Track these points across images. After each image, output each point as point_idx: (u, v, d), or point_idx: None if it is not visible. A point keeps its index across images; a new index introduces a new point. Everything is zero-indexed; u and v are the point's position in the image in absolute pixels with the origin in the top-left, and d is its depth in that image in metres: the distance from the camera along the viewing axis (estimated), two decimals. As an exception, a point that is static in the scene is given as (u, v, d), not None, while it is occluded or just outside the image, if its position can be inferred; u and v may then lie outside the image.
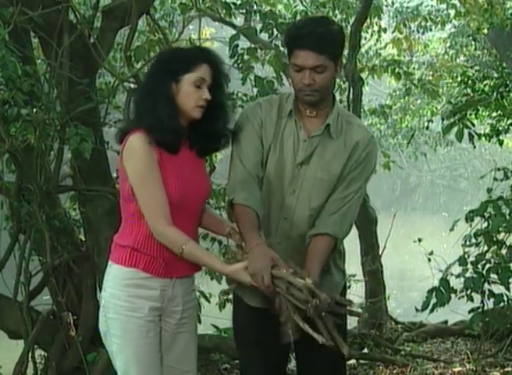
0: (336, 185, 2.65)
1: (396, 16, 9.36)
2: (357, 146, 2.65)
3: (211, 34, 8.69)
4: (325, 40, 2.53)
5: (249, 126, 2.68)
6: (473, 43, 9.30)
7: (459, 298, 4.18)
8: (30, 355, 4.20)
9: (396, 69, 6.88)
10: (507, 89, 5.85)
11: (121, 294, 2.58)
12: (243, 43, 4.92)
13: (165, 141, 2.55)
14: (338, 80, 7.20)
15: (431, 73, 9.65)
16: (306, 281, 2.39)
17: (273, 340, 2.56)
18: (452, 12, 8.52)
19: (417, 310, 4.29)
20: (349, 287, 5.63)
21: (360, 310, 2.51)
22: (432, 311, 4.05)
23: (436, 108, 10.08)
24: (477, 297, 4.17)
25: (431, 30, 9.49)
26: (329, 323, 2.41)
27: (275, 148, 2.65)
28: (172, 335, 2.68)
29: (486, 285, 4.11)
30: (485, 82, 6.17)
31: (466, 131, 5.25)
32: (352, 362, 5.18)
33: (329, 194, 2.65)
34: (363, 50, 8.23)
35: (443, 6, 8.71)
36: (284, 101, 2.70)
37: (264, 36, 5.14)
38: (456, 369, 4.96)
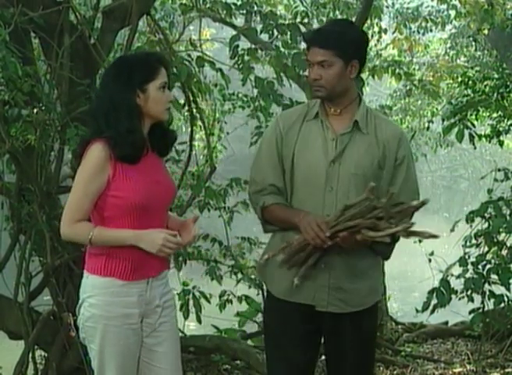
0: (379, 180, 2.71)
1: (397, 17, 9.38)
2: (389, 142, 2.73)
3: (212, 35, 8.69)
4: (331, 36, 2.65)
5: (266, 143, 2.81)
6: (473, 44, 9.29)
7: (459, 299, 4.19)
8: (30, 355, 4.21)
9: (397, 70, 6.88)
10: (508, 90, 5.84)
11: (99, 304, 2.63)
12: (244, 44, 4.91)
13: (127, 155, 2.58)
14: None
15: (431, 73, 9.65)
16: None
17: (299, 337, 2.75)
18: (452, 12, 8.54)
19: (417, 311, 4.30)
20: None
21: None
22: (432, 312, 4.06)
23: (437, 109, 10.06)
24: (477, 298, 4.17)
25: (431, 30, 9.50)
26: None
27: (303, 151, 2.71)
28: (153, 335, 2.70)
29: (487, 286, 4.11)
30: (485, 83, 6.15)
31: (466, 132, 5.24)
32: (352, 362, 5.17)
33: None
34: (363, 51, 8.21)
35: (444, 7, 8.73)
36: (311, 106, 2.79)
37: (264, 37, 5.14)
38: (456, 370, 4.96)
